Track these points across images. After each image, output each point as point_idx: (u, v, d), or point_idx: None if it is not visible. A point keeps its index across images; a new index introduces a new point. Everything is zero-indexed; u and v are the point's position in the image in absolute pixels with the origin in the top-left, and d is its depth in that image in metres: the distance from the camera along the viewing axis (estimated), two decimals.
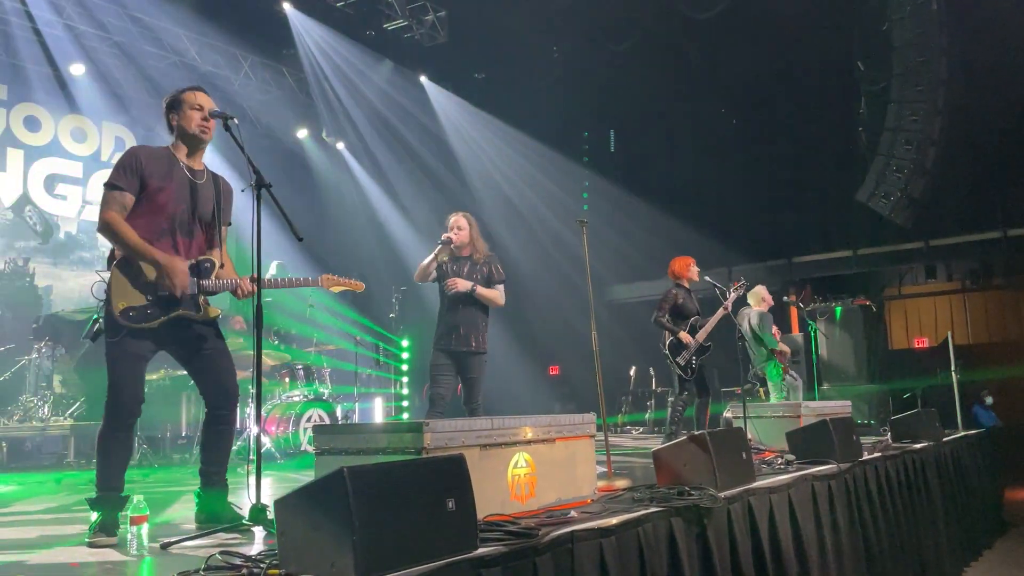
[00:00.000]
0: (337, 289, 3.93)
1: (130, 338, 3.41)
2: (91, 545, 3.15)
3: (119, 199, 3.46)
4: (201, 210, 3.63)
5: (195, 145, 3.68)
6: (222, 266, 3.69)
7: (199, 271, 3.58)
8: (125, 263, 3.47)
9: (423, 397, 5.28)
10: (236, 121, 3.56)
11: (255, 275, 3.54)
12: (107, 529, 3.22)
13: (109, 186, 3.48)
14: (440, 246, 5.48)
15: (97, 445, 3.46)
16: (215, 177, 3.78)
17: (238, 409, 3.78)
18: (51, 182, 10.92)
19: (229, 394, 3.65)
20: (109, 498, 3.33)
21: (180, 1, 10.63)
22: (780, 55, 12.82)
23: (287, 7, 11.78)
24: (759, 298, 8.53)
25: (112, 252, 3.55)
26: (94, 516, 3.30)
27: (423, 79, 13.73)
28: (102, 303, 3.50)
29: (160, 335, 3.50)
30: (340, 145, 14.12)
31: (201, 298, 3.57)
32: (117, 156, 12.02)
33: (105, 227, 3.45)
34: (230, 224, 3.85)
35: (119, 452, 3.46)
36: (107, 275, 3.53)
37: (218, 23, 11.18)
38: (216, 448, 3.68)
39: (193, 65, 11.45)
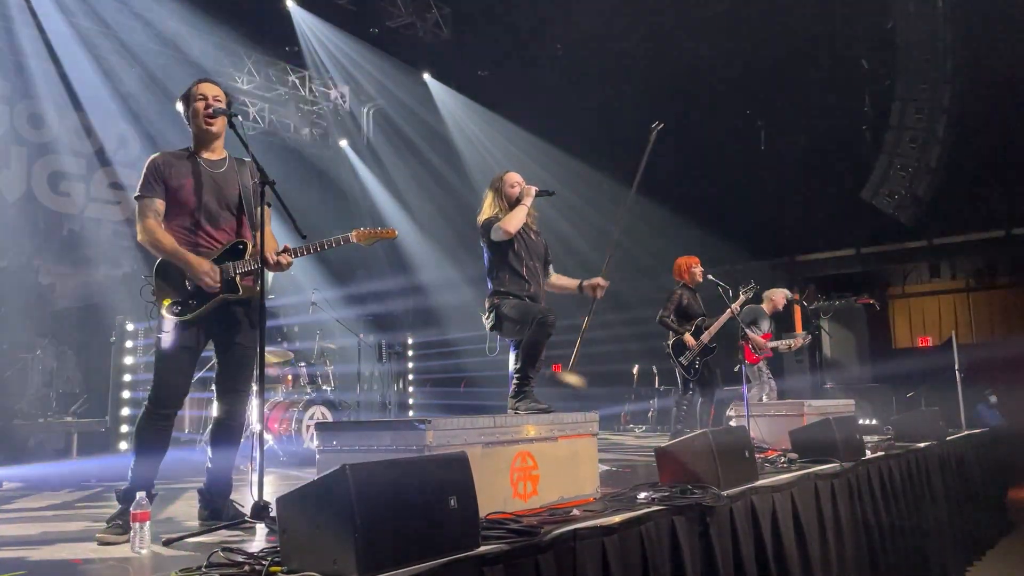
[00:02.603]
0: (370, 241, 3.92)
1: (179, 329, 3.55)
2: (100, 542, 3.14)
3: (151, 206, 3.59)
4: (226, 198, 3.68)
5: (204, 137, 3.69)
6: (254, 246, 3.70)
7: (233, 254, 3.66)
8: (165, 264, 3.60)
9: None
10: (239, 118, 3.61)
11: (286, 245, 3.70)
12: (123, 526, 3.21)
13: (140, 197, 3.61)
14: (538, 198, 4.81)
15: (135, 435, 3.55)
16: (240, 163, 3.79)
17: (246, 410, 3.81)
18: (55, 179, 10.93)
19: (240, 397, 3.72)
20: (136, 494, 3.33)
21: None
22: (784, 52, 12.78)
23: (290, 4, 11.78)
24: (767, 299, 8.50)
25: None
26: (116, 509, 3.32)
27: (426, 76, 13.72)
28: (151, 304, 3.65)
29: (206, 323, 3.61)
30: (343, 143, 14.12)
31: (239, 278, 3.64)
32: (120, 153, 11.96)
33: (144, 235, 3.58)
34: (271, 205, 3.82)
35: (156, 444, 3.53)
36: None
37: (221, 20, 11.17)
38: (223, 447, 3.71)
39: (196, 62, 11.45)
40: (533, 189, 4.85)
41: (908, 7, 11.83)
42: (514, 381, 4.53)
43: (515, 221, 4.68)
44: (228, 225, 3.70)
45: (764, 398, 8.13)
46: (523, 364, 4.50)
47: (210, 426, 3.80)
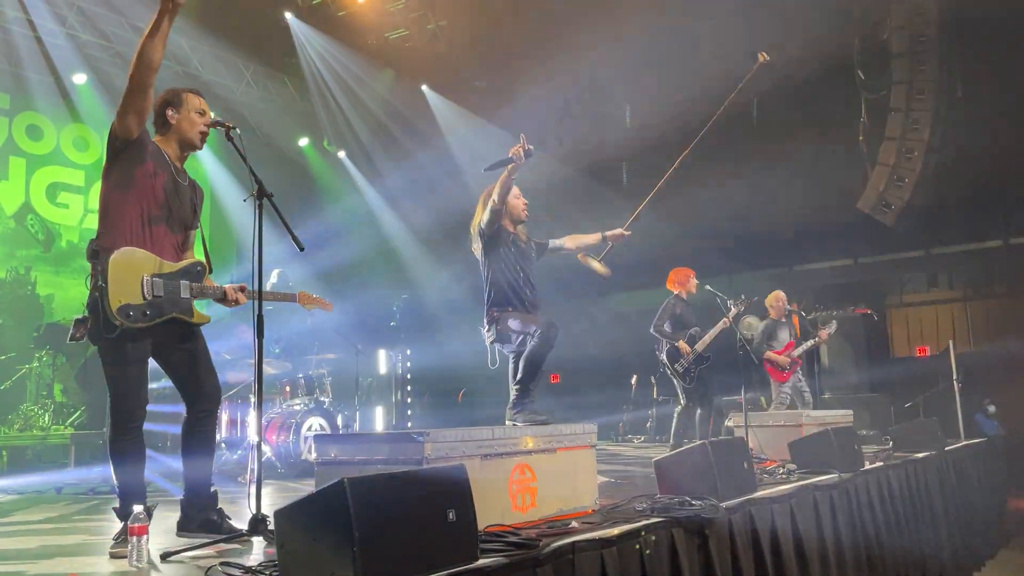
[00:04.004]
0: (311, 307, 4.09)
1: (128, 340, 3.30)
2: (113, 556, 3.13)
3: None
4: (182, 210, 3.55)
5: (188, 149, 3.63)
6: (211, 272, 3.64)
7: (190, 275, 3.50)
8: (122, 257, 3.29)
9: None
10: (238, 131, 3.53)
11: (243, 284, 3.59)
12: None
13: None
14: (521, 160, 4.51)
15: (109, 456, 3.40)
16: (192, 181, 3.70)
17: (222, 413, 3.75)
18: (53, 190, 10.94)
19: (211, 396, 3.63)
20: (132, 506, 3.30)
21: (182, 11, 10.63)
22: (781, 62, 12.81)
23: (289, 16, 11.82)
24: (770, 308, 8.53)
25: (94, 249, 3.34)
26: (119, 525, 3.29)
27: (424, 88, 13.76)
28: (94, 297, 3.31)
29: (155, 336, 3.42)
30: (341, 154, 14.15)
31: (192, 302, 3.51)
32: None
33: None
34: (202, 230, 3.76)
35: (131, 459, 3.41)
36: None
37: (220, 32, 11.20)
38: (200, 453, 3.62)
39: (195, 74, 11.48)
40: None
41: (904, 17, 11.88)
42: (514, 393, 4.52)
43: (502, 188, 4.69)
44: (172, 238, 3.50)
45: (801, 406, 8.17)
46: (523, 376, 4.48)
47: (181, 433, 3.64)
